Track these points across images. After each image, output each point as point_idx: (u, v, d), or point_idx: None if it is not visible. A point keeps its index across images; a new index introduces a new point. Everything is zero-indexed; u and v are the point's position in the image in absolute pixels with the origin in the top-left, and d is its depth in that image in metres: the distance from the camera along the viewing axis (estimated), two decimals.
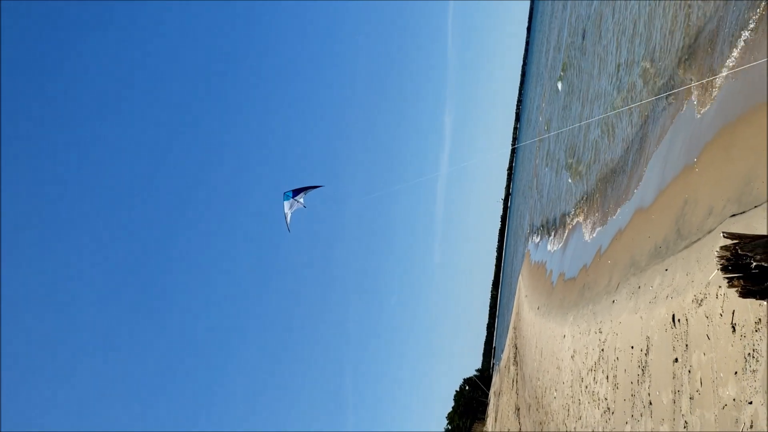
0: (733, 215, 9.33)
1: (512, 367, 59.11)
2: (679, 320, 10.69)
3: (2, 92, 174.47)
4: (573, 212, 31.48)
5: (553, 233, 41.41)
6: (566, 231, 33.45)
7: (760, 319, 7.58)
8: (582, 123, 31.09)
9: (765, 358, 7.44)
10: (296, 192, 25.59)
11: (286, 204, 25.79)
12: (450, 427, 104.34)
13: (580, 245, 26.94)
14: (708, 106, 12.38)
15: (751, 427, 7.64)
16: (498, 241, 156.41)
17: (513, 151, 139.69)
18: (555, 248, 38.45)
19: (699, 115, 12.82)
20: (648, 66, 18.88)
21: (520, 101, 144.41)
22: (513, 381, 54.51)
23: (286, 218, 26.04)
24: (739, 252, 6.84)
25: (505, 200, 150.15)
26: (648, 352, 12.44)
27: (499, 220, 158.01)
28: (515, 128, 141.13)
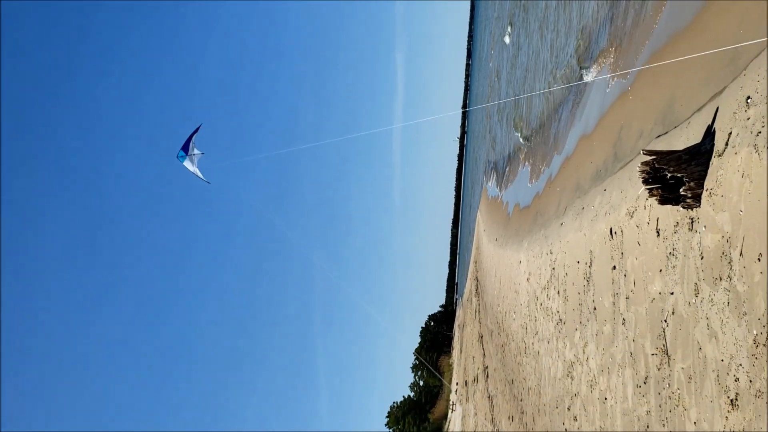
0: (659, 136, 10.48)
1: (474, 299, 61.83)
2: (615, 232, 12.01)
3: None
4: (525, 145, 32.77)
5: (507, 167, 42.88)
6: (519, 163, 34.85)
7: (678, 222, 8.82)
8: (528, 95, 31.94)
9: (683, 255, 8.73)
10: (185, 147, 25.81)
11: (187, 163, 26.00)
12: (418, 362, 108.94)
13: (533, 175, 28.34)
14: (645, 37, 13.39)
15: (673, 313, 9.02)
16: (456, 180, 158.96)
17: (466, 89, 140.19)
18: (510, 181, 39.99)
19: (635, 46, 13.84)
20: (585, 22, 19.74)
21: (471, 36, 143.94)
22: (476, 312, 57.20)
23: (196, 174, 26.37)
24: (656, 166, 7.98)
25: (461, 139, 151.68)
26: (591, 264, 13.86)
27: (456, 159, 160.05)
28: (467, 65, 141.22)
